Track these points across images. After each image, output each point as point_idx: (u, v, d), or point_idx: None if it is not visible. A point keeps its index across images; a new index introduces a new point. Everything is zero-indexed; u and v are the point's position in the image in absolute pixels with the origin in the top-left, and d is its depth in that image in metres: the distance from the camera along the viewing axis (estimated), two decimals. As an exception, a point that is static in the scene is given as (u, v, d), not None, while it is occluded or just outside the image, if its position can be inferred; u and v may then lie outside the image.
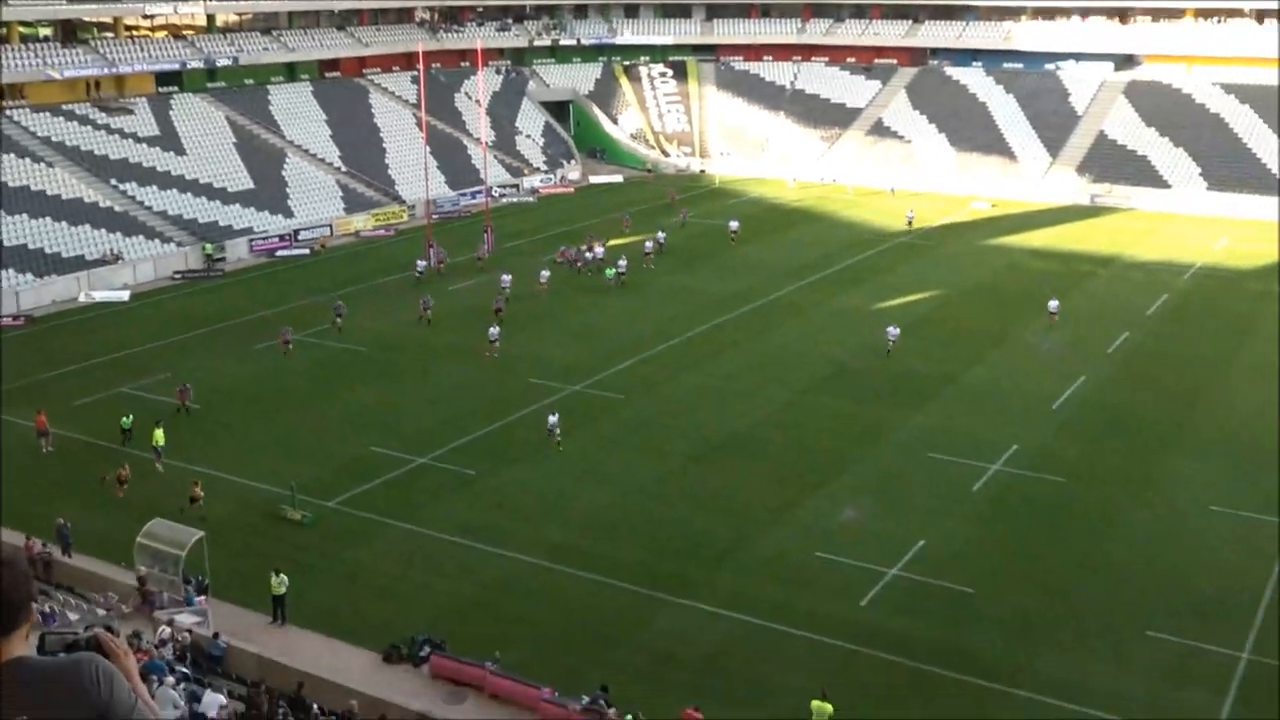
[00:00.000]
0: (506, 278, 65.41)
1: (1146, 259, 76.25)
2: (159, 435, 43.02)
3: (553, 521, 39.91)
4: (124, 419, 44.83)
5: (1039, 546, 38.01)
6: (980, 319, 62.49)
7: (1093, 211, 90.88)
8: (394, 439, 46.40)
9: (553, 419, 44.99)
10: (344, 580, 36.17)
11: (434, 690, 30.58)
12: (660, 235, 76.67)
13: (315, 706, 27.47)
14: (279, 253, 78.75)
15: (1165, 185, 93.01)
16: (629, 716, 28.33)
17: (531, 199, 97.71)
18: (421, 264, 70.39)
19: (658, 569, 36.51)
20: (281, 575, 33.51)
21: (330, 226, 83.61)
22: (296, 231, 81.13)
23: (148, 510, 37.13)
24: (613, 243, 74.87)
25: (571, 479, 43.16)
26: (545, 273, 67.07)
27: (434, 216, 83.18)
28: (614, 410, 49.68)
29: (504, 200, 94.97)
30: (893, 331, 54.76)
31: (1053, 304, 60.32)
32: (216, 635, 31.61)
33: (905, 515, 40.02)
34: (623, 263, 68.80)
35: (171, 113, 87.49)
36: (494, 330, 55.59)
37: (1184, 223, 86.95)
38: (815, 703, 27.75)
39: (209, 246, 75.52)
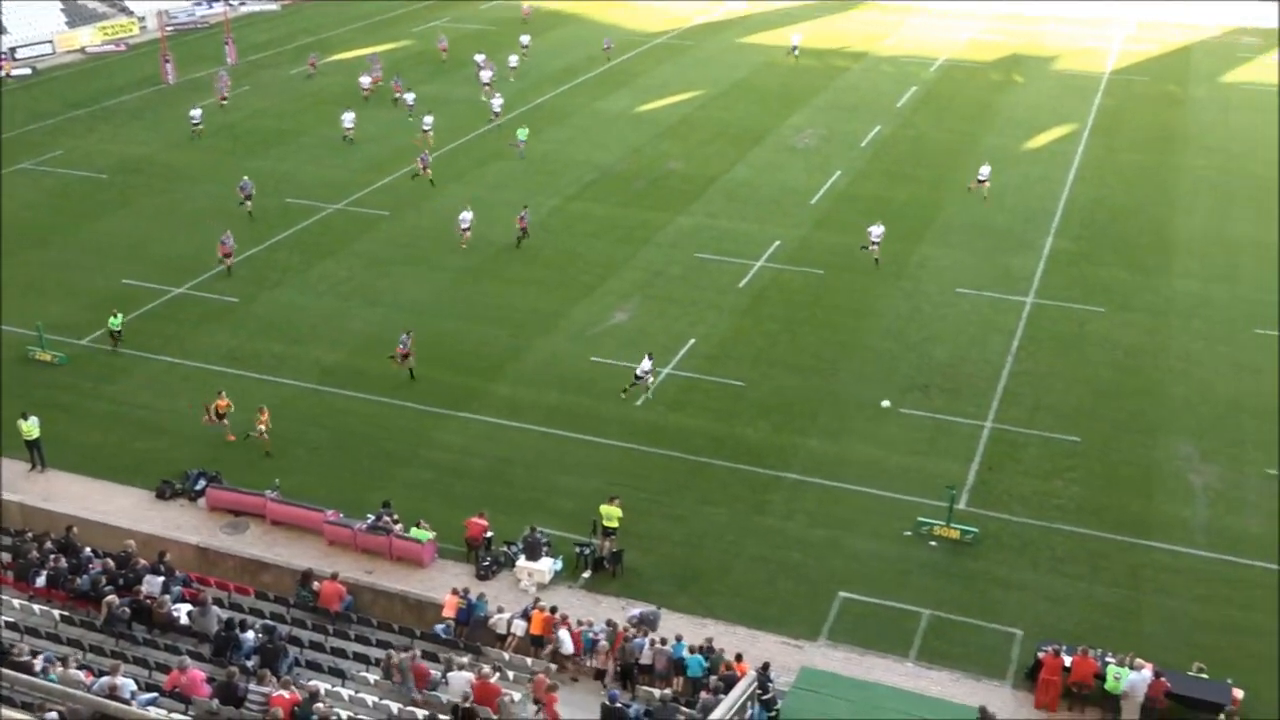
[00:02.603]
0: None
1: (896, 53, 78.28)
2: None
3: (323, 343, 39.14)
4: (112, 319, 38.52)
5: (802, 337, 39.72)
6: (740, 118, 63.23)
7: (845, 6, 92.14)
8: (147, 269, 44.14)
9: (646, 364, 35.64)
10: (106, 419, 34.73)
11: (213, 523, 30.10)
12: (513, 60, 71.23)
13: (88, 550, 26.63)
14: (-5, 73, 72.13)
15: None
16: (414, 528, 28.67)
17: (275, 7, 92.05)
18: (196, 113, 59.22)
19: (436, 383, 36.49)
20: (31, 418, 31.87)
21: (51, 43, 76.85)
22: (13, 49, 74.22)
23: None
24: (366, 52, 71.45)
25: (338, 299, 42.22)
26: (350, 112, 59.57)
27: (168, 29, 77.50)
28: (378, 227, 48.46)
29: (244, 9, 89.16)
30: (875, 231, 44.98)
31: (983, 170, 51.72)
32: (-29, 486, 30.05)
33: (675, 315, 41.00)
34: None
35: None
36: (466, 216, 46.53)
37: (932, 15, 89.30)
38: (604, 507, 28.66)
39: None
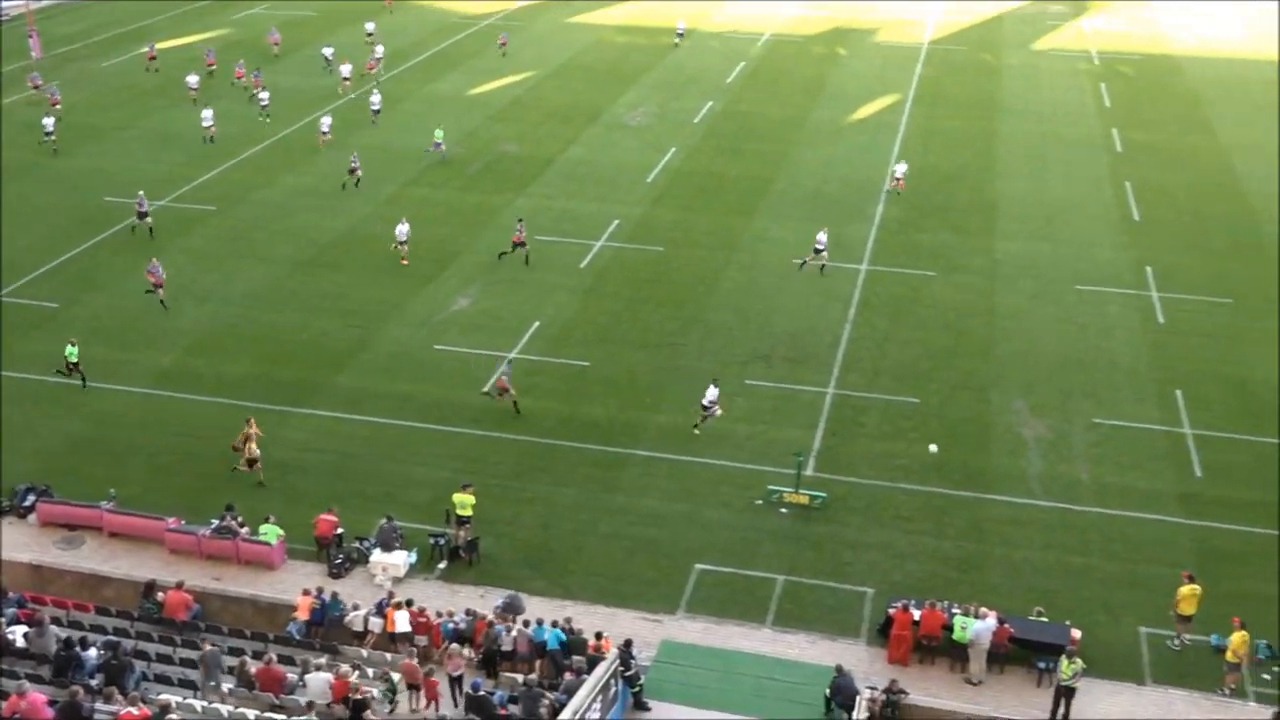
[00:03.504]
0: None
1: (723, 29, 79.13)
2: None
3: (155, 346, 37.72)
4: (68, 349, 35.24)
5: (645, 314, 39.96)
6: (572, 98, 63.12)
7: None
8: (-44, 277, 41.90)
9: (712, 393, 33.32)
10: (-79, 437, 32.87)
11: (45, 539, 28.78)
12: (379, 50, 68.42)
13: (-91, 576, 25.24)
14: None
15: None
16: (262, 525, 27.91)
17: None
18: (49, 122, 54.96)
19: (276, 380, 35.57)
20: None
21: None
22: None
23: None
24: (185, 41, 68.95)
25: (166, 298, 40.73)
26: (209, 109, 57.60)
27: (-35, 22, 73.39)
28: (206, 222, 46.88)
29: (46, 1, 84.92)
30: (821, 238, 42.80)
31: (899, 168, 50.58)
32: None
33: (518, 298, 40.79)
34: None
35: None
36: (402, 229, 43.59)
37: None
38: (457, 495, 28.34)
39: None
